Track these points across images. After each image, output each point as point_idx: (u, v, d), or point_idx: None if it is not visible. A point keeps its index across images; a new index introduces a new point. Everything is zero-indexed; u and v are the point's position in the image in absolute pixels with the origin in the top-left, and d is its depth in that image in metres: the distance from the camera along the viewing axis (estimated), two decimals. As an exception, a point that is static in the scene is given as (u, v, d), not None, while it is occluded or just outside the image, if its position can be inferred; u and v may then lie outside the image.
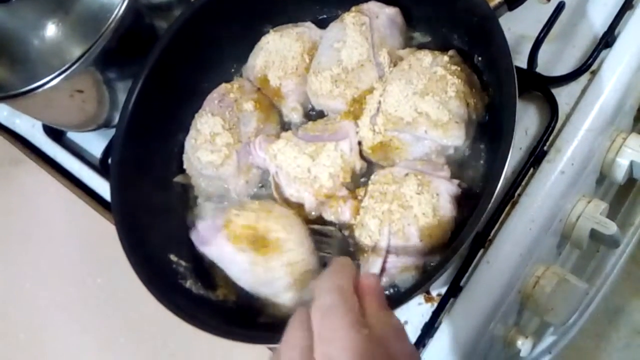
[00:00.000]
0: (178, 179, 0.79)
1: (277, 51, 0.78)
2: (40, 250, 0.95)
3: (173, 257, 0.71)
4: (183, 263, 0.71)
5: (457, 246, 0.55)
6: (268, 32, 0.81)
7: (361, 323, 0.41)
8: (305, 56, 0.77)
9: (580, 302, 0.73)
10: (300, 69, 0.77)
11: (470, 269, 0.67)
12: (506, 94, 0.58)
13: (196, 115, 0.79)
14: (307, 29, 0.80)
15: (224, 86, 0.79)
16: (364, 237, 0.63)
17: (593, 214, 0.72)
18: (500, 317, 0.69)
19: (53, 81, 0.73)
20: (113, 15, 0.75)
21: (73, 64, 0.73)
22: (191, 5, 0.79)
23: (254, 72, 0.80)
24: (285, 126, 0.79)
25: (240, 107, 0.76)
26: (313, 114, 0.79)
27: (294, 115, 0.78)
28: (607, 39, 0.72)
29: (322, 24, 0.81)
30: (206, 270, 0.70)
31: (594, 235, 0.73)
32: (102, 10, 0.76)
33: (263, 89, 0.79)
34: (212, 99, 0.78)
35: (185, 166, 0.78)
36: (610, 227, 0.71)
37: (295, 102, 0.78)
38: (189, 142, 0.77)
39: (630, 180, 0.79)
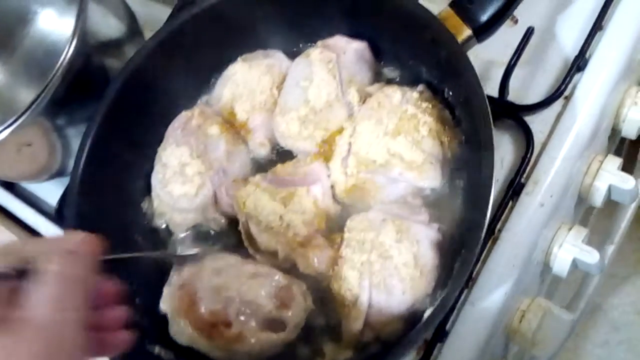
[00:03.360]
0: (145, 204, 0.75)
1: (245, 83, 0.74)
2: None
3: (137, 317, 0.66)
4: (146, 322, 0.66)
5: (444, 305, 0.52)
6: (236, 59, 0.77)
7: None
8: (274, 90, 0.74)
9: (566, 333, 0.72)
10: (269, 103, 0.74)
11: (455, 312, 0.65)
12: (482, 135, 0.56)
13: (159, 150, 0.74)
14: (278, 60, 0.76)
15: (184, 114, 0.75)
16: (344, 290, 0.60)
17: (574, 242, 0.70)
18: (488, 356, 0.67)
19: (-2, 137, 0.68)
20: (60, 59, 0.70)
21: (19, 116, 0.68)
22: (146, 43, 0.75)
23: (220, 103, 0.76)
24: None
25: (206, 133, 0.72)
26: (281, 150, 0.75)
27: (261, 150, 0.74)
28: (579, 63, 0.70)
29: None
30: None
31: (577, 262, 0.71)
32: (48, 54, 0.72)
33: (230, 121, 0.75)
34: (174, 129, 0.74)
35: (155, 205, 0.74)
36: (592, 255, 0.69)
37: (262, 137, 0.74)
38: (156, 178, 0.73)
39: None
